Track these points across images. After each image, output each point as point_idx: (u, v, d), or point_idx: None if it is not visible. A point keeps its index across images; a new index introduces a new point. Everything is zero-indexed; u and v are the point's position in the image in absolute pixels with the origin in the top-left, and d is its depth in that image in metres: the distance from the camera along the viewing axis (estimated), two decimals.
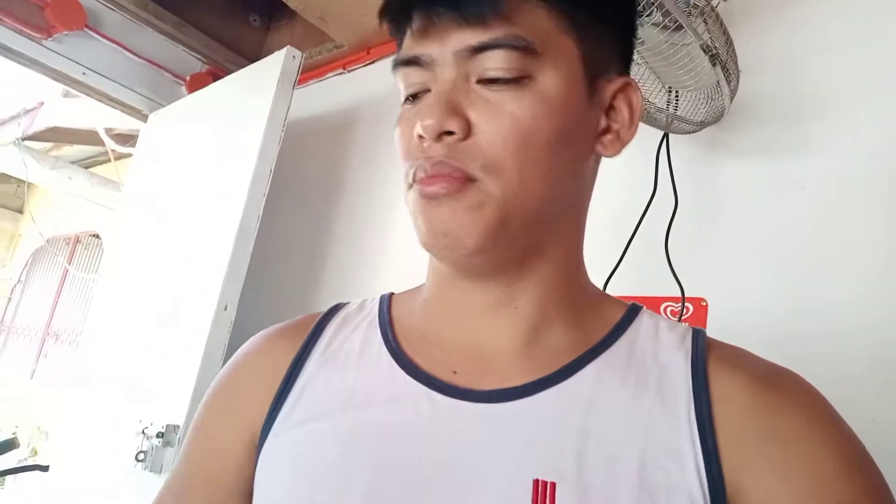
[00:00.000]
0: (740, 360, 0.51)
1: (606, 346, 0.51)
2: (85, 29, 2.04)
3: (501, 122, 0.47)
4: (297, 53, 1.72)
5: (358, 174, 1.97)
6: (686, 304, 1.14)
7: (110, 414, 1.74)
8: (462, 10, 0.47)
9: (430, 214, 0.48)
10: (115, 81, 2.15)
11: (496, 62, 0.47)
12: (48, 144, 4.49)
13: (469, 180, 0.47)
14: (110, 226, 3.26)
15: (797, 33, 1.19)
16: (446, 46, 0.48)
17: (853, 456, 0.45)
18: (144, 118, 2.29)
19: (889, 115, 1.05)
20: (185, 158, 2.00)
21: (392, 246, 1.76)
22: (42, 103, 3.99)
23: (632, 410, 0.46)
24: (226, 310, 1.54)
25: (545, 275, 0.52)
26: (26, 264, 5.93)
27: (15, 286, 5.94)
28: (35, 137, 4.14)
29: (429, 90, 0.50)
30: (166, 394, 1.56)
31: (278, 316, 0.67)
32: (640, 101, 0.54)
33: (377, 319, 0.58)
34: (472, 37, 0.47)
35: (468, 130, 0.47)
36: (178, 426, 1.48)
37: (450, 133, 0.47)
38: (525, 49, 0.47)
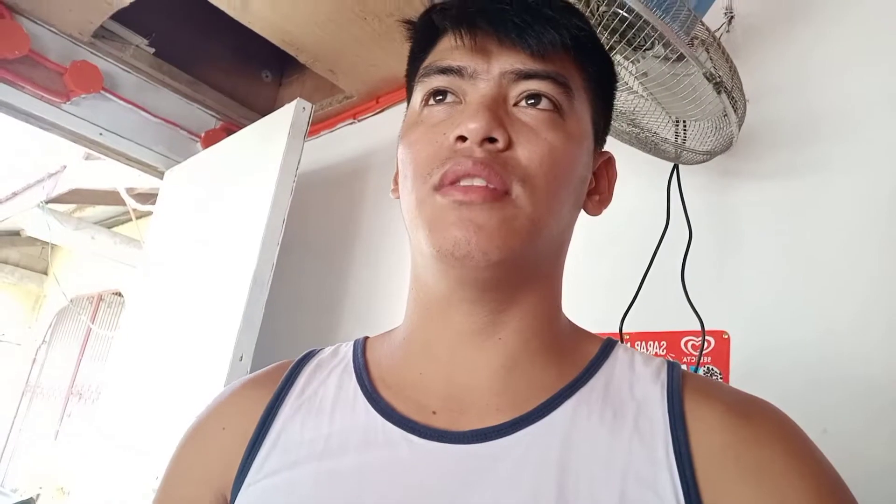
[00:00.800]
0: (715, 391, 0.51)
1: (583, 381, 0.51)
2: (102, 91, 2.10)
3: (539, 144, 0.49)
4: (307, 105, 1.75)
5: (370, 221, 1.98)
6: (707, 337, 1.11)
7: (127, 470, 1.72)
8: (528, 40, 0.49)
9: (459, 215, 0.47)
10: (131, 141, 2.19)
11: (541, 89, 0.50)
12: (71, 206, 4.60)
13: (505, 193, 0.47)
14: (132, 283, 3.30)
15: (808, 55, 1.17)
16: (493, 64, 0.50)
17: (828, 485, 0.45)
18: (161, 175, 2.33)
19: None
20: (200, 212, 2.02)
21: (405, 292, 1.74)
22: (65, 166, 4.10)
23: (610, 446, 0.46)
24: (241, 360, 1.53)
25: (531, 307, 0.53)
26: (51, 325, 6.00)
27: (40, 347, 6.00)
28: (58, 200, 4.24)
29: (458, 98, 0.51)
30: None
31: None
32: (616, 175, 0.60)
33: (352, 364, 0.58)
34: (523, 62, 0.50)
35: (509, 144, 0.48)
36: None
37: (492, 141, 0.48)
38: (565, 87, 0.51)
